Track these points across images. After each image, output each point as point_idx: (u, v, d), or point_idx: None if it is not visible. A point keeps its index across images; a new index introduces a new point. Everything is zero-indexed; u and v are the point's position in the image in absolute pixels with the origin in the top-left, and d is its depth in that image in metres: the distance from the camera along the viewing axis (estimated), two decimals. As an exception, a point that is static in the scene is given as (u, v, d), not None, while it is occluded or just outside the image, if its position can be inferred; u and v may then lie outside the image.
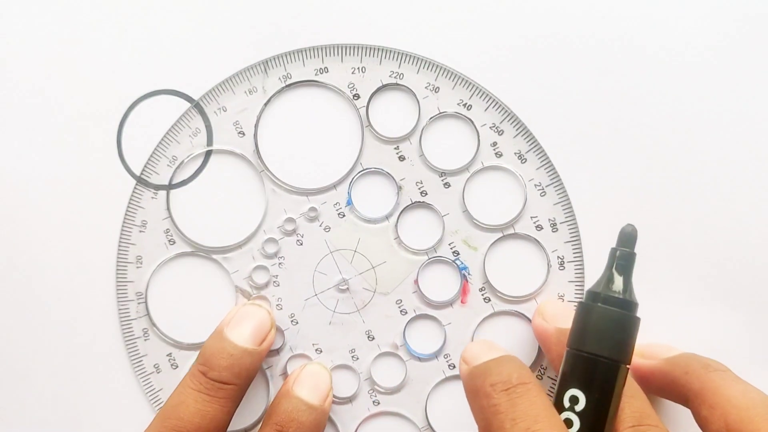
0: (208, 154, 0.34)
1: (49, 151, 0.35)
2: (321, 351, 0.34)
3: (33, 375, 0.35)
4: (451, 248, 0.34)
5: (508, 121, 0.33)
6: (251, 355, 0.32)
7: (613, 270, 0.27)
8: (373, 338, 0.34)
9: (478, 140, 0.33)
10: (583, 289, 0.33)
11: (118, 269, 0.35)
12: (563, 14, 0.33)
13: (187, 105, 0.34)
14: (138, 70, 0.34)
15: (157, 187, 0.34)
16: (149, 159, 0.34)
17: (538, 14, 0.33)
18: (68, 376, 0.35)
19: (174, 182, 0.34)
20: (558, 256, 0.33)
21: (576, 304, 0.32)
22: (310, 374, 0.33)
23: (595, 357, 0.26)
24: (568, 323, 0.28)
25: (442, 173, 0.34)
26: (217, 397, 0.31)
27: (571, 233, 0.33)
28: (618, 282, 0.26)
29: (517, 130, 0.33)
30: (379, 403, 0.34)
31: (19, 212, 0.35)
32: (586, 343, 0.26)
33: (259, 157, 0.34)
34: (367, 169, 0.34)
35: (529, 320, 0.33)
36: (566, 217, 0.33)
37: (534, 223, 0.33)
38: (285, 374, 0.34)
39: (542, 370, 0.34)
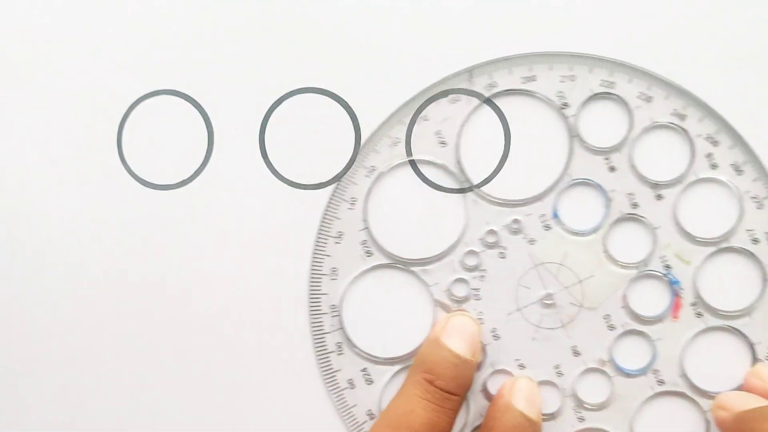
0: (407, 164, 0.33)
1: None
2: (524, 367, 0.33)
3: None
4: (663, 262, 0.33)
5: (724, 131, 0.32)
6: (472, 366, 0.31)
7: None
8: (579, 354, 0.33)
9: (693, 151, 0.32)
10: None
11: (311, 281, 0.34)
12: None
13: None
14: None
15: (354, 197, 0.33)
16: (347, 169, 0.33)
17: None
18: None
19: (372, 193, 0.33)
20: (774, 271, 0.32)
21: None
22: (523, 387, 0.32)
23: None
24: (746, 405, 0.29)
25: (655, 185, 0.33)
26: (445, 408, 0.30)
27: (787, 247, 0.32)
28: None
29: (733, 140, 0.32)
30: (584, 420, 0.33)
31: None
32: None
33: (461, 167, 0.33)
34: (575, 180, 0.33)
35: (744, 336, 0.32)
36: (782, 231, 0.32)
37: (750, 236, 0.32)
38: (485, 390, 0.33)
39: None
